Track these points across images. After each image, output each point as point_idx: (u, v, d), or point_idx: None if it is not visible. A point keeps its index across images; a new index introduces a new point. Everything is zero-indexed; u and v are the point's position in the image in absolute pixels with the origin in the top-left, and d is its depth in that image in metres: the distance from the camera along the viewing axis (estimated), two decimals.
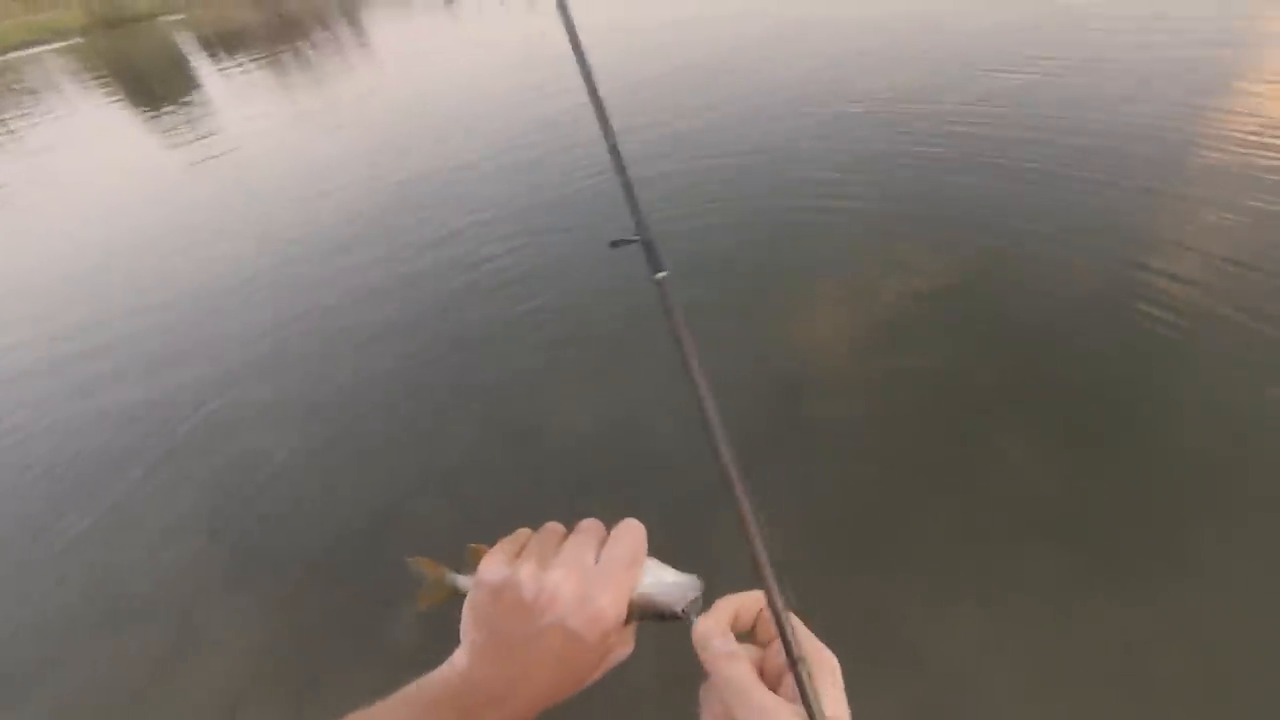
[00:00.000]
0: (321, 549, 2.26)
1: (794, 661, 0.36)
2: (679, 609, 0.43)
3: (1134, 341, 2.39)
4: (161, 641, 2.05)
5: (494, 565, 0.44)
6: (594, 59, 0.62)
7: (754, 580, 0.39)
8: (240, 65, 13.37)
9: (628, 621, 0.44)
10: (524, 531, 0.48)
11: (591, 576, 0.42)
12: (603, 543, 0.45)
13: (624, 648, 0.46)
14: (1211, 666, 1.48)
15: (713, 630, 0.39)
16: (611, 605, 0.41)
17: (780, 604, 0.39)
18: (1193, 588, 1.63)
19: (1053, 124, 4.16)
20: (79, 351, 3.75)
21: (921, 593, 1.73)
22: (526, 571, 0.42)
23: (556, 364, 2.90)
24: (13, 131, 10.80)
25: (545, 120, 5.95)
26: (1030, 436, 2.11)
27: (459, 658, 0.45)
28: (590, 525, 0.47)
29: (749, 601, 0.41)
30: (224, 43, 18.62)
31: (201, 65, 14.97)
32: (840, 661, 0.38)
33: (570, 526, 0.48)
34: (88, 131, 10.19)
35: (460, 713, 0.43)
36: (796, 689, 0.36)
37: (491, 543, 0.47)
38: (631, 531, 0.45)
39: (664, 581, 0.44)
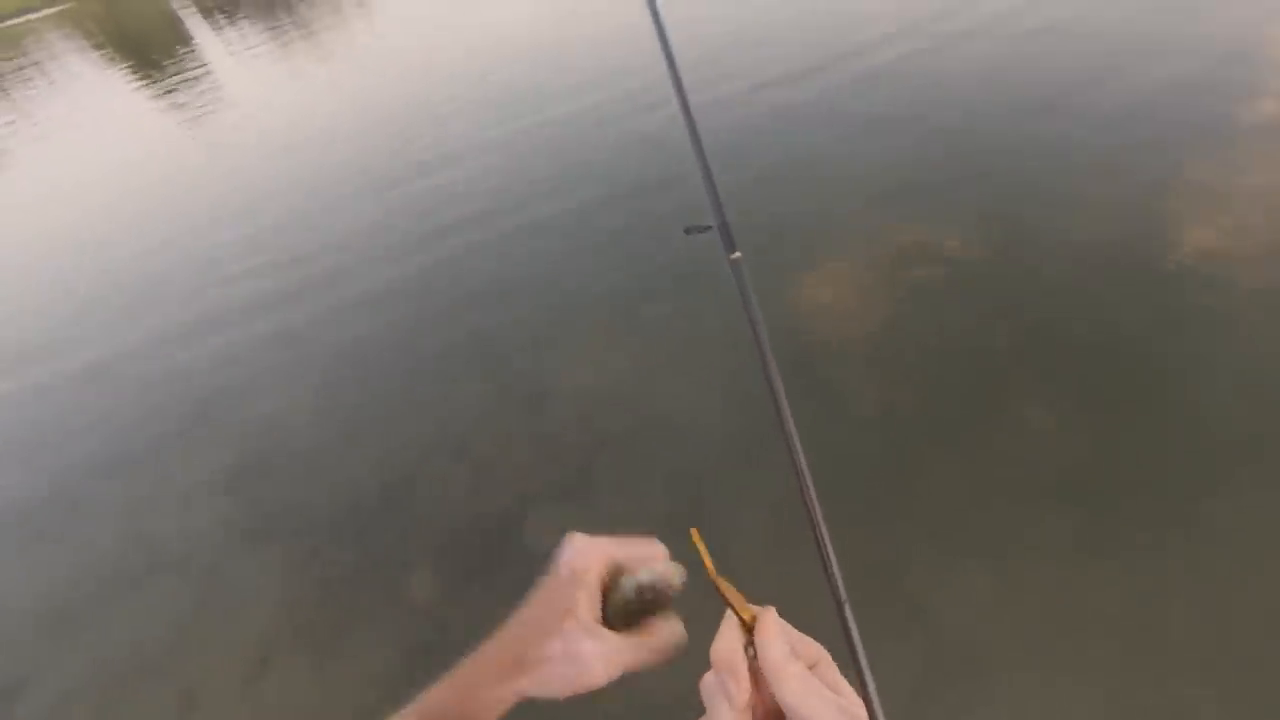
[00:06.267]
0: (339, 509, 2.34)
1: (839, 603, 0.36)
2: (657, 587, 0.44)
3: (1158, 304, 2.28)
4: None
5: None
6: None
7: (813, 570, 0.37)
8: (236, 25, 13.02)
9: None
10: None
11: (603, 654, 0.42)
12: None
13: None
14: (1221, 626, 1.47)
15: (784, 652, 0.35)
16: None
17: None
18: (1205, 553, 1.59)
19: (1076, 79, 3.86)
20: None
21: (930, 550, 1.73)
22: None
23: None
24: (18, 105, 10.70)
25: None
26: (1047, 398, 2.05)
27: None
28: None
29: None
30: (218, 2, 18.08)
31: (196, 26, 14.61)
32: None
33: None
34: (96, 107, 10.11)
35: None
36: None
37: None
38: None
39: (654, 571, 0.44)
